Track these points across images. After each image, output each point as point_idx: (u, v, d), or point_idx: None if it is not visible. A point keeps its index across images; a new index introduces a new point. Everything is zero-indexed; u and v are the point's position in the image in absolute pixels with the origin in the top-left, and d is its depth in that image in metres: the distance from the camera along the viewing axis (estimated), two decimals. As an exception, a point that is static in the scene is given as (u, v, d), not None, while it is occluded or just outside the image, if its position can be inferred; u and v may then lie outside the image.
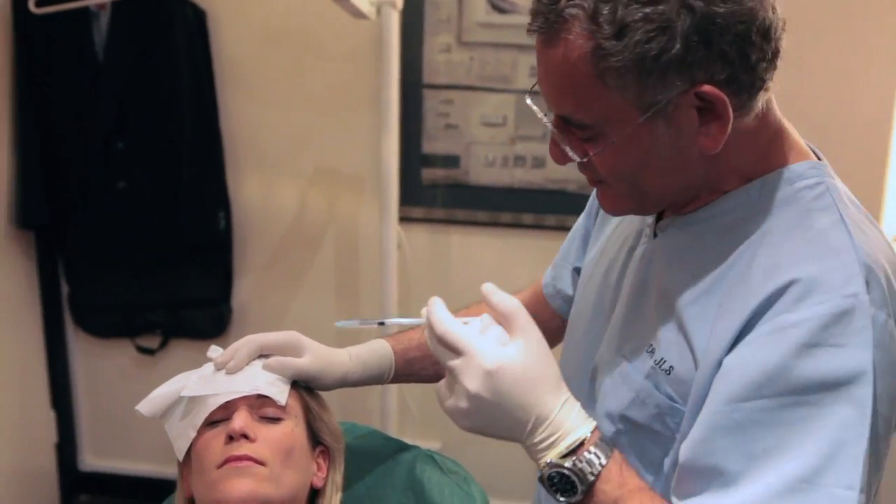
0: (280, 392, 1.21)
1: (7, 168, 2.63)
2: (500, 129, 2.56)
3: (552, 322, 1.36)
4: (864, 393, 0.86)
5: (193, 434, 1.19)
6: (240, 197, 2.72)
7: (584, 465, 0.91)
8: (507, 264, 2.65)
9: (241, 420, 1.17)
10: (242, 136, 2.67)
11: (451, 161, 2.60)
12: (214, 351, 1.28)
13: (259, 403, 1.21)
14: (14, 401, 2.75)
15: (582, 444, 0.92)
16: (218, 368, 1.23)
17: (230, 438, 1.16)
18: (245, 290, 2.81)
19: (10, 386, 2.73)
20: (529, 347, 0.94)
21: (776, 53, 0.90)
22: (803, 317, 0.87)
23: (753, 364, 0.88)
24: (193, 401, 1.21)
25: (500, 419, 0.93)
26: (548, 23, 0.89)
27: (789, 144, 0.99)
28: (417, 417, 2.73)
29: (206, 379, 1.23)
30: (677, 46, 0.85)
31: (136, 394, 3.26)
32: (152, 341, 2.90)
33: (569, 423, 0.93)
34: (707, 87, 0.87)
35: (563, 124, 0.96)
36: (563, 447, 0.92)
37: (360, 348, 1.30)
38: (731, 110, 0.88)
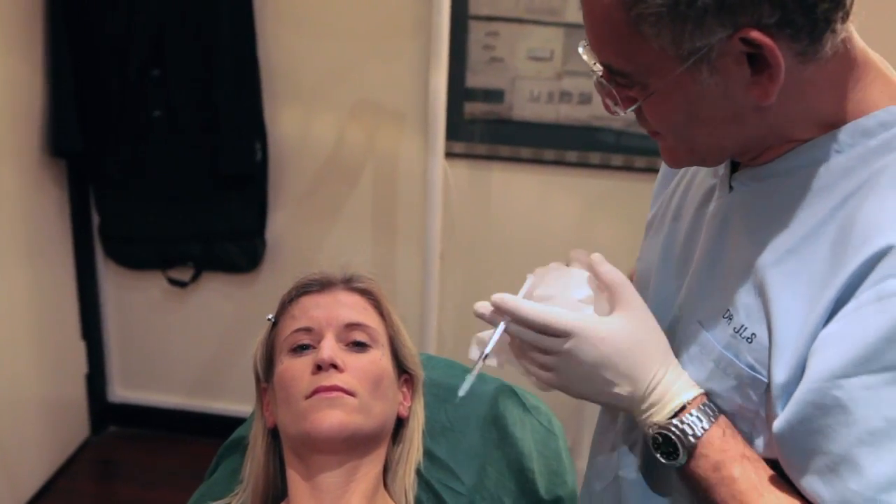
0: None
1: (41, 95, 2.57)
2: (547, 64, 2.49)
3: None
4: None
5: None
6: (277, 128, 2.66)
7: (686, 428, 0.91)
8: (550, 203, 2.61)
9: (329, 349, 1.14)
10: (281, 65, 2.60)
11: (495, 95, 2.54)
12: None
13: (346, 330, 1.18)
14: (45, 331, 2.73)
15: (684, 408, 0.92)
16: None
17: (318, 368, 1.13)
18: (280, 224, 2.77)
19: (41, 316, 2.70)
20: (634, 318, 0.96)
21: None
22: None
23: (856, 336, 0.81)
24: None
25: (609, 387, 0.95)
26: None
27: (882, 84, 0.90)
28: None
29: None
30: None
31: (166, 326, 3.25)
32: (184, 273, 2.87)
33: (675, 389, 0.94)
34: (753, 33, 0.79)
35: (609, 73, 0.90)
36: (668, 410, 0.93)
37: None
38: (781, 58, 0.80)
